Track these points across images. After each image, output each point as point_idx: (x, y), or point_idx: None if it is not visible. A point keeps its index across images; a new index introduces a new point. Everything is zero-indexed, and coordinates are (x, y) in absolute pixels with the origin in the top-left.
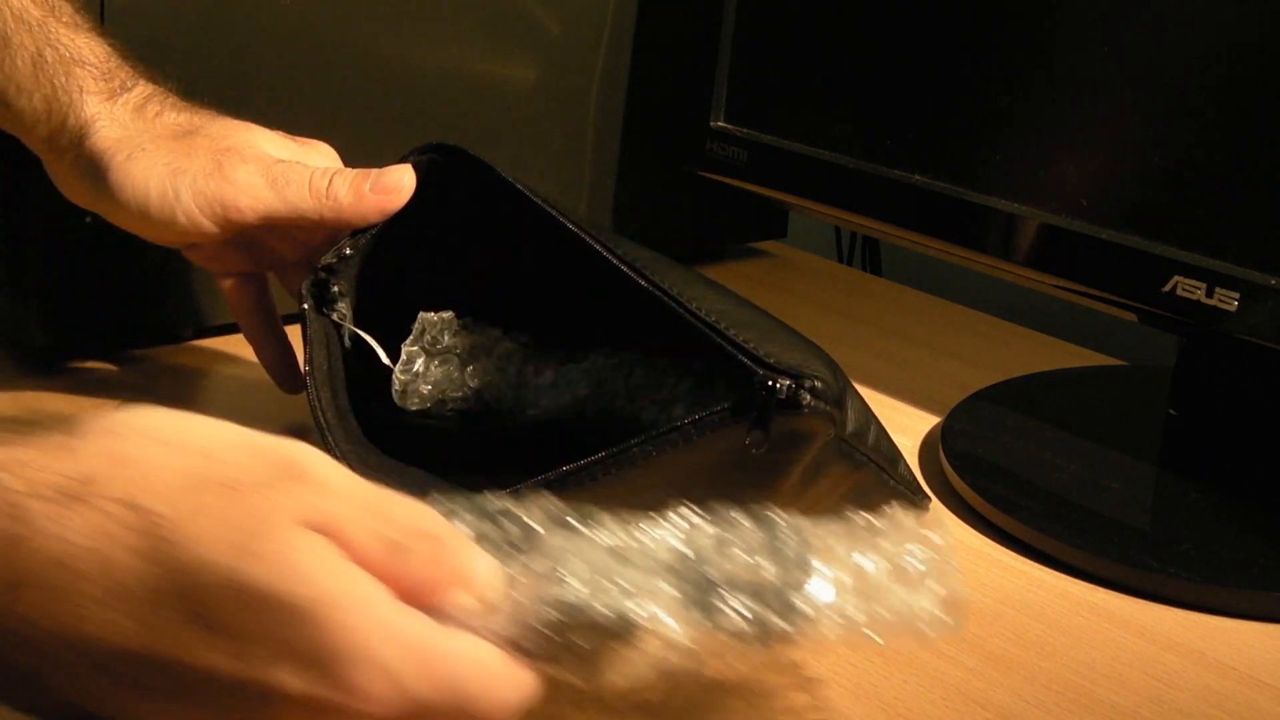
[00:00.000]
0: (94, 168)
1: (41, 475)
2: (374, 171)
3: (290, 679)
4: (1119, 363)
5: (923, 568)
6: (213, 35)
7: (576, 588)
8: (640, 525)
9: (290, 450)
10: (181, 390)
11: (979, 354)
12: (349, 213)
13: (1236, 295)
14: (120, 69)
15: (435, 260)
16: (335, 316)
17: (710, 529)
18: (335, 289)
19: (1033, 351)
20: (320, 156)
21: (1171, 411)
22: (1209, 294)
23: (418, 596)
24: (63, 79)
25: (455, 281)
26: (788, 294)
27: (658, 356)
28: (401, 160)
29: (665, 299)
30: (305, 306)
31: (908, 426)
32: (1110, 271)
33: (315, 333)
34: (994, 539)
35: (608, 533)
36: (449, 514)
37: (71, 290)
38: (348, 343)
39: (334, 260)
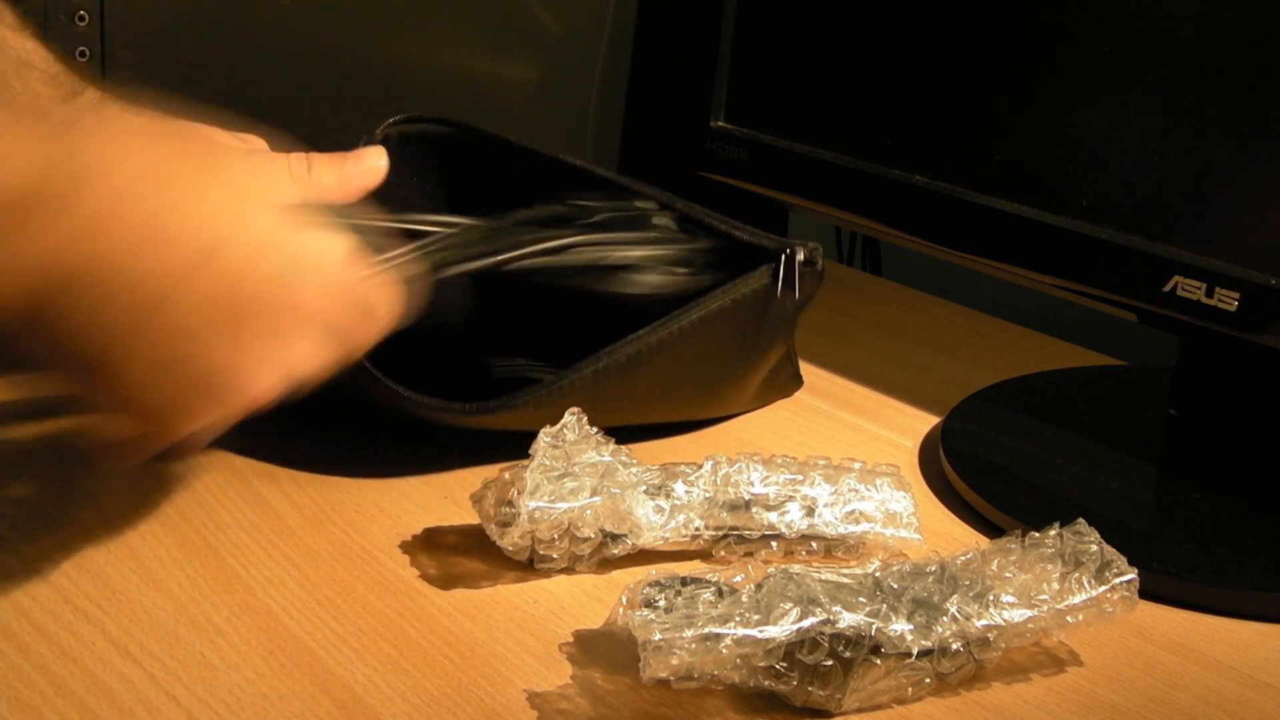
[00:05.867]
0: None
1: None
2: (349, 155)
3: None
4: (1119, 363)
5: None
6: (213, 35)
7: (826, 611)
8: (839, 570)
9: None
10: None
11: (979, 354)
12: (334, 194)
13: (1236, 295)
14: (65, 74)
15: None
16: None
17: (895, 567)
18: None
19: (1033, 351)
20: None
21: (1171, 411)
22: (1209, 294)
23: None
24: (15, 82)
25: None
26: None
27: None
28: (373, 132)
29: (669, 205)
30: None
31: (908, 426)
32: (1110, 271)
33: None
34: (995, 539)
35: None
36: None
37: None
38: None
39: None
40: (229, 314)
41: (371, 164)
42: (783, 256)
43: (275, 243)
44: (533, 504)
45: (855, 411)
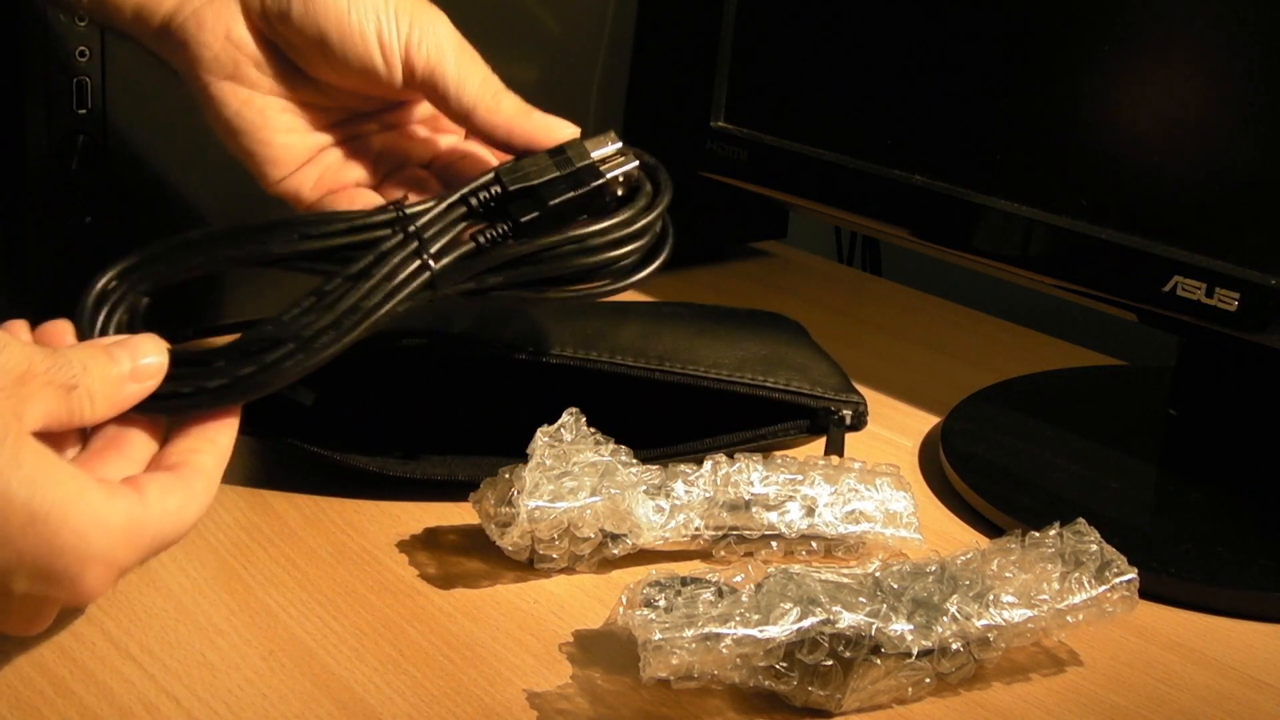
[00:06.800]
0: None
1: None
2: (534, 110)
3: (24, 584)
4: (1119, 363)
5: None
6: None
7: (826, 611)
8: (839, 570)
9: None
10: None
11: (979, 354)
12: (503, 129)
13: (1236, 295)
14: None
15: None
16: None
17: (895, 567)
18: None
19: (1033, 351)
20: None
21: (1171, 411)
22: (1209, 294)
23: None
24: None
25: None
26: (788, 294)
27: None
28: None
29: (694, 382)
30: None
31: (908, 426)
32: (1110, 271)
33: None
34: (995, 539)
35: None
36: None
37: (71, 292)
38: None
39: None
40: None
41: (556, 126)
42: (829, 422)
43: (33, 541)
44: (532, 503)
45: None
